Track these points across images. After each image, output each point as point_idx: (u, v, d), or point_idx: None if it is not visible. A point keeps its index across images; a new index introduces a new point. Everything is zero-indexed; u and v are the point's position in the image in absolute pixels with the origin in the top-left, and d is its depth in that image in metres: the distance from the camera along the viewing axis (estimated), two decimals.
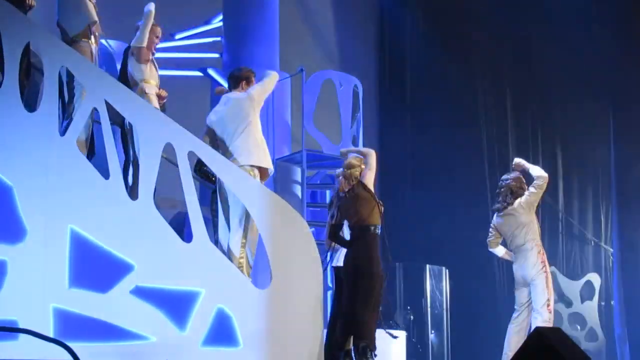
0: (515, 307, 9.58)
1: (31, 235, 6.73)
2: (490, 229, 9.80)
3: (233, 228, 7.89)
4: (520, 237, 9.48)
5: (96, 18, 8.04)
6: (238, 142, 8.07)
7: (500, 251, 9.83)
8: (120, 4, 8.95)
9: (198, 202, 7.32)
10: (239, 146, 8.06)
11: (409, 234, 14.07)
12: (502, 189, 9.69)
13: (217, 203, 8.08)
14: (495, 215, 9.77)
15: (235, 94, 8.25)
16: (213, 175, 8.00)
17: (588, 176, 15.66)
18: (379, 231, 8.13)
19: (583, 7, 14.68)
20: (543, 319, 9.18)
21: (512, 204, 9.56)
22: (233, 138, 8.09)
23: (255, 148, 8.09)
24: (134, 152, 7.95)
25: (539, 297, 9.28)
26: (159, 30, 8.39)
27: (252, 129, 8.10)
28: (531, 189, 9.58)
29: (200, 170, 8.17)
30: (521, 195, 9.58)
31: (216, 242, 7.93)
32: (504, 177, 9.88)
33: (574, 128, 15.48)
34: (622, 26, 14.70)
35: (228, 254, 7.78)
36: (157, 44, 8.47)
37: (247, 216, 7.78)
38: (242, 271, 7.65)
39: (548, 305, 9.26)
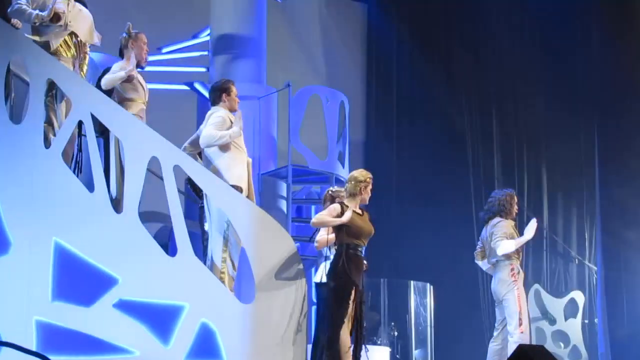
0: (496, 325, 9.54)
1: (15, 247, 6.71)
2: (479, 241, 9.78)
3: (215, 241, 7.87)
4: (494, 253, 9.42)
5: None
6: (222, 160, 8.06)
7: (484, 265, 9.79)
8: (105, 17, 8.94)
9: (183, 216, 7.32)
10: (223, 164, 8.05)
11: (393, 250, 14.10)
12: (491, 200, 9.69)
13: (205, 217, 8.05)
14: (483, 226, 9.75)
15: (221, 111, 8.22)
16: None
17: (573, 194, 15.70)
18: (360, 251, 8.06)
19: (570, 27, 14.77)
20: (514, 340, 8.98)
21: (496, 216, 9.52)
22: (218, 154, 8.08)
23: (235, 168, 8.08)
24: (121, 164, 7.90)
25: (511, 318, 9.15)
26: (144, 37, 8.33)
27: (233, 150, 8.10)
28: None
29: (192, 182, 8.18)
30: (507, 212, 9.55)
31: (205, 255, 7.90)
32: (497, 191, 9.89)
33: (560, 146, 15.53)
34: (609, 46, 14.78)
35: (211, 267, 7.76)
36: (147, 52, 8.44)
37: (229, 229, 7.75)
38: (223, 283, 7.63)
39: (520, 325, 9.11)
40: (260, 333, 7.36)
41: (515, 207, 9.66)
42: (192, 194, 8.58)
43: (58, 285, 6.78)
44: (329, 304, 7.87)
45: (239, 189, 7.93)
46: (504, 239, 9.23)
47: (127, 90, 8.13)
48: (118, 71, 8.01)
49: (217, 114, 8.16)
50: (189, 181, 7.91)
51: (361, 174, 8.22)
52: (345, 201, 8.08)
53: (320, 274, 8.65)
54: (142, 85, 8.24)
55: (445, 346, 13.45)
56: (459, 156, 15.34)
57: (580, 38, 14.83)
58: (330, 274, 7.92)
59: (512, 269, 9.31)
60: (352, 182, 8.13)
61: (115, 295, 6.90)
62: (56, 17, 7.78)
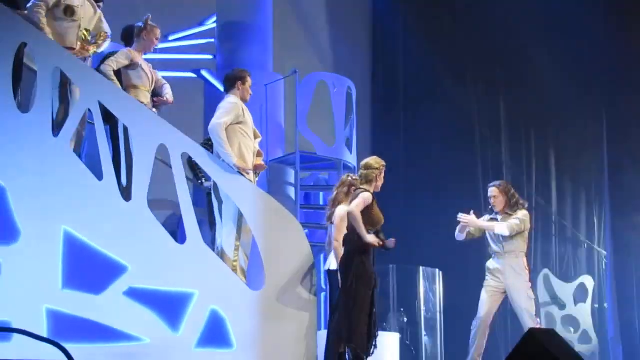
0: None
1: (25, 236, 6.71)
2: None
3: (226, 230, 7.84)
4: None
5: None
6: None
7: None
8: (111, 4, 8.95)
9: (192, 203, 7.31)
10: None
11: (402, 236, 13.97)
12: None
13: (212, 205, 8.05)
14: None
15: (233, 97, 8.19)
16: (201, 170, 8.01)
17: (581, 179, 15.66)
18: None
19: (579, 9, 14.70)
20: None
21: (493, 209, 9.60)
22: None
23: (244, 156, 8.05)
24: (128, 152, 7.90)
25: None
26: (158, 32, 8.36)
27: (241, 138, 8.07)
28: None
29: (191, 163, 8.17)
30: (503, 201, 9.55)
31: (213, 243, 7.89)
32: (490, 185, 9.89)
33: (568, 130, 15.48)
34: (617, 31, 14.72)
35: (221, 256, 7.72)
36: (156, 45, 8.45)
37: (240, 218, 7.73)
38: (235, 274, 7.61)
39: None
40: (270, 319, 7.36)
41: (510, 193, 9.58)
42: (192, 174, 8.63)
43: (68, 274, 6.79)
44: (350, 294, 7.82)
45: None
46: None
47: (131, 77, 8.14)
48: (123, 59, 8.06)
49: (229, 100, 8.13)
50: (189, 163, 7.89)
51: (375, 161, 8.14)
52: (365, 187, 8.03)
53: (330, 261, 8.63)
54: (146, 73, 8.24)
55: (454, 332, 13.43)
56: (467, 141, 15.29)
57: (589, 20, 14.74)
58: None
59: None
60: (367, 170, 8.06)
61: (124, 283, 6.91)
62: (70, 11, 7.82)
